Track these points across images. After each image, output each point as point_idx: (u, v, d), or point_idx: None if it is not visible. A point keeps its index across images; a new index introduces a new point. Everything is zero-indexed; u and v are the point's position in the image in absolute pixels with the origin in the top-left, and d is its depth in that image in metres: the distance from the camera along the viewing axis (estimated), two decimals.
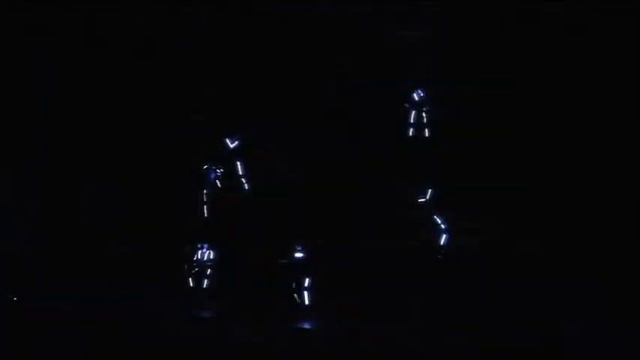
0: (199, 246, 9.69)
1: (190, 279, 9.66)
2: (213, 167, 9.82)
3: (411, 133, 9.48)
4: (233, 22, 9.82)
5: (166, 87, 9.90)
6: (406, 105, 9.50)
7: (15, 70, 9.91)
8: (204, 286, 9.60)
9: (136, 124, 9.87)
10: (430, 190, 9.30)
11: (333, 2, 9.52)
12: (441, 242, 9.23)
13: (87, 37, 9.94)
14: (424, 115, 9.49)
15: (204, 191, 9.82)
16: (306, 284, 9.23)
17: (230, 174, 9.83)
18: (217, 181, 9.82)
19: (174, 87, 9.90)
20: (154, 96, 9.87)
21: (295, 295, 9.26)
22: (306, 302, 9.21)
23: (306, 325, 8.87)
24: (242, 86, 9.82)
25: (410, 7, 9.34)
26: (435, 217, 9.24)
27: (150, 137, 9.87)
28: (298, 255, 9.34)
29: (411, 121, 9.49)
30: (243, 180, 9.79)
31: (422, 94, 9.51)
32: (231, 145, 9.78)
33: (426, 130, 9.48)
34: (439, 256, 9.24)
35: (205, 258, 9.68)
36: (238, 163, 9.78)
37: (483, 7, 9.10)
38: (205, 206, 9.81)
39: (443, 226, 9.23)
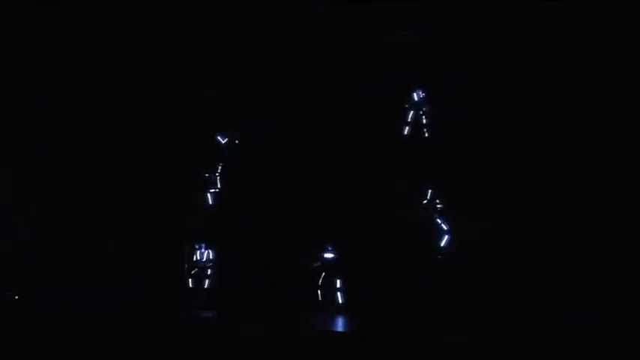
0: (199, 246, 9.71)
1: (190, 279, 9.68)
2: (214, 167, 9.85)
3: (411, 134, 9.51)
4: (233, 22, 9.82)
5: (166, 87, 9.91)
6: (406, 105, 9.52)
7: (15, 70, 9.91)
8: (205, 286, 9.63)
9: (136, 124, 9.87)
10: (430, 191, 9.32)
11: (333, 2, 9.52)
12: (442, 243, 9.25)
13: (87, 37, 9.93)
14: (424, 115, 9.50)
15: (204, 191, 9.84)
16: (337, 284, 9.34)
17: (230, 174, 9.85)
18: (217, 181, 9.84)
19: (174, 87, 9.90)
20: (153, 96, 9.87)
21: (319, 293, 9.33)
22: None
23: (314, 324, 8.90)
24: (242, 86, 9.83)
25: (410, 7, 9.34)
26: (437, 217, 9.27)
27: (150, 137, 9.88)
28: (328, 255, 9.40)
29: (411, 121, 9.52)
30: (243, 180, 9.81)
31: (422, 94, 9.53)
32: (223, 142, 9.81)
33: (427, 131, 9.50)
34: (439, 257, 9.26)
35: (205, 258, 9.70)
36: (238, 162, 9.81)
37: (483, 7, 9.10)
38: (205, 206, 9.82)
39: (445, 227, 9.25)
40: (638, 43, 8.70)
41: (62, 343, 8.67)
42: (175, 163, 9.82)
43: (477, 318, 8.60)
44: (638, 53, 8.71)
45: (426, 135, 9.45)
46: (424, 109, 9.50)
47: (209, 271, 9.68)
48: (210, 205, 9.85)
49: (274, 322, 8.79)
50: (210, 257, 9.71)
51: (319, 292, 9.33)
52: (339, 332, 8.59)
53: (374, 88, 9.51)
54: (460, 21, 9.21)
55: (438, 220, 9.26)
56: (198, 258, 9.70)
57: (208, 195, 9.86)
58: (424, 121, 9.49)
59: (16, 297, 9.49)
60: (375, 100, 9.50)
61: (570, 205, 8.84)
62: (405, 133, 9.50)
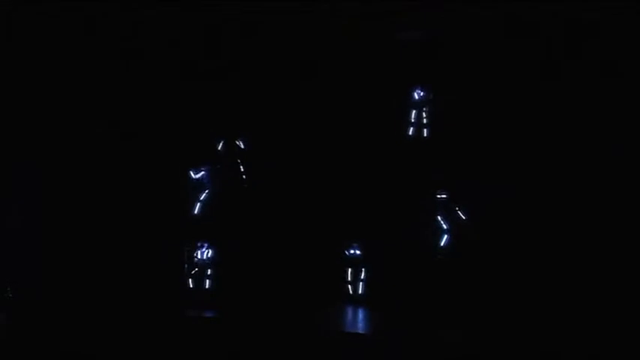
0: (199, 246, 9.72)
1: (190, 279, 9.69)
2: (213, 166, 9.85)
3: (411, 133, 9.54)
4: (231, 22, 9.81)
5: (165, 87, 9.90)
6: (407, 105, 9.55)
7: (14, 69, 9.90)
8: (205, 286, 9.63)
9: (137, 125, 9.86)
10: (431, 191, 9.35)
11: (333, 2, 9.53)
12: (442, 243, 9.28)
13: (86, 36, 9.91)
14: (425, 115, 9.53)
15: (205, 191, 9.84)
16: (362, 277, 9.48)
17: (229, 173, 9.85)
18: (217, 181, 9.84)
19: (173, 87, 9.90)
20: (154, 96, 9.87)
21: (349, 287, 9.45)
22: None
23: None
24: (242, 86, 9.83)
25: (410, 8, 9.35)
26: (439, 217, 9.31)
27: (150, 136, 9.87)
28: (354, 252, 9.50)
29: (412, 121, 9.55)
30: (244, 180, 9.82)
31: (422, 94, 9.56)
32: (224, 143, 9.83)
33: (427, 131, 9.53)
34: (439, 256, 9.29)
35: (205, 258, 9.70)
36: (239, 162, 9.82)
37: (485, 7, 9.12)
38: (206, 206, 9.82)
39: (444, 227, 9.28)
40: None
41: (62, 343, 8.65)
42: (177, 163, 9.82)
43: (478, 318, 8.64)
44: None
45: (431, 135, 9.47)
46: (426, 109, 9.52)
47: (209, 271, 9.69)
48: (211, 205, 9.84)
49: (274, 322, 8.80)
50: (210, 256, 9.72)
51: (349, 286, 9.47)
52: (342, 332, 8.59)
53: (374, 88, 9.53)
54: (461, 21, 9.25)
55: (439, 219, 9.30)
56: (198, 258, 9.70)
57: (208, 195, 9.85)
58: (425, 121, 9.52)
59: (13, 297, 9.49)
60: (376, 100, 9.53)
61: (572, 205, 8.88)
62: (409, 133, 9.53)
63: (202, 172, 9.83)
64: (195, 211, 9.79)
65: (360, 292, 9.47)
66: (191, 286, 9.69)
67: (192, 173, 9.80)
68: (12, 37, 9.83)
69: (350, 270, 9.47)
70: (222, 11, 9.75)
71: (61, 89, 9.89)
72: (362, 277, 9.46)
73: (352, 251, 9.50)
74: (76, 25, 9.85)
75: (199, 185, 9.84)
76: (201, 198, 9.82)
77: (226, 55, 9.80)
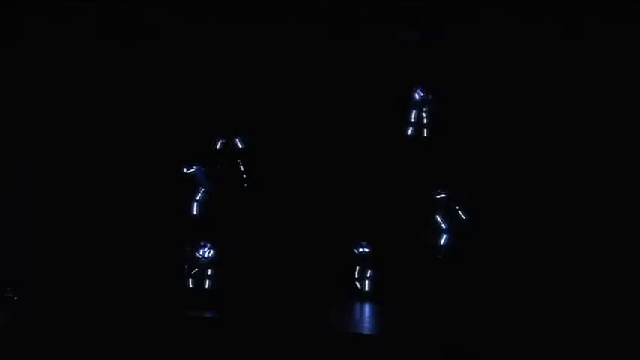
0: (199, 246, 9.73)
1: (190, 279, 9.69)
2: (213, 166, 9.86)
3: (411, 133, 9.54)
4: (230, 22, 9.82)
5: (163, 88, 9.90)
6: (407, 105, 9.55)
7: (15, 70, 9.91)
8: (205, 286, 9.64)
9: (138, 125, 9.87)
10: (431, 190, 9.36)
11: (333, 2, 9.54)
12: (441, 242, 9.28)
13: (85, 37, 9.92)
14: (425, 114, 9.54)
15: (204, 191, 9.85)
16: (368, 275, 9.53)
17: (230, 173, 9.86)
18: (216, 181, 9.84)
19: (171, 88, 9.90)
20: (154, 97, 9.87)
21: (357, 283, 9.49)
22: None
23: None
24: (242, 86, 9.84)
25: (411, 8, 9.36)
26: (438, 216, 9.31)
27: (150, 137, 9.87)
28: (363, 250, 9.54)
29: (412, 121, 9.55)
30: (244, 179, 9.83)
31: (422, 94, 9.56)
32: (224, 143, 9.83)
33: (427, 131, 9.54)
34: (439, 256, 9.29)
35: (206, 258, 9.70)
36: (238, 162, 9.83)
37: (485, 4, 9.14)
38: (206, 206, 9.83)
39: (444, 226, 9.29)
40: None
41: (62, 344, 8.65)
42: (177, 163, 9.83)
43: (478, 318, 8.64)
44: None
45: (430, 135, 9.48)
46: (426, 108, 9.53)
47: (209, 271, 9.69)
48: (212, 205, 9.84)
49: (274, 322, 8.80)
50: (211, 256, 9.73)
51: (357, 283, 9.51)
52: (343, 332, 8.59)
53: (374, 88, 9.53)
54: (461, 21, 9.25)
55: (438, 219, 9.31)
56: (199, 257, 9.71)
57: (209, 195, 9.86)
58: (425, 120, 9.52)
59: (15, 297, 9.49)
60: (376, 100, 9.53)
61: (571, 204, 8.88)
62: (409, 133, 9.54)
63: (194, 169, 9.82)
64: (196, 212, 9.79)
65: (362, 289, 9.49)
66: (191, 286, 9.68)
67: (184, 169, 9.80)
68: (12, 37, 9.83)
69: (356, 268, 9.51)
70: (223, 11, 9.76)
71: (61, 89, 9.88)
72: (364, 275, 9.48)
73: (361, 249, 9.52)
74: (74, 26, 9.84)
75: (198, 185, 9.84)
76: (202, 198, 9.82)
77: (227, 54, 9.80)
